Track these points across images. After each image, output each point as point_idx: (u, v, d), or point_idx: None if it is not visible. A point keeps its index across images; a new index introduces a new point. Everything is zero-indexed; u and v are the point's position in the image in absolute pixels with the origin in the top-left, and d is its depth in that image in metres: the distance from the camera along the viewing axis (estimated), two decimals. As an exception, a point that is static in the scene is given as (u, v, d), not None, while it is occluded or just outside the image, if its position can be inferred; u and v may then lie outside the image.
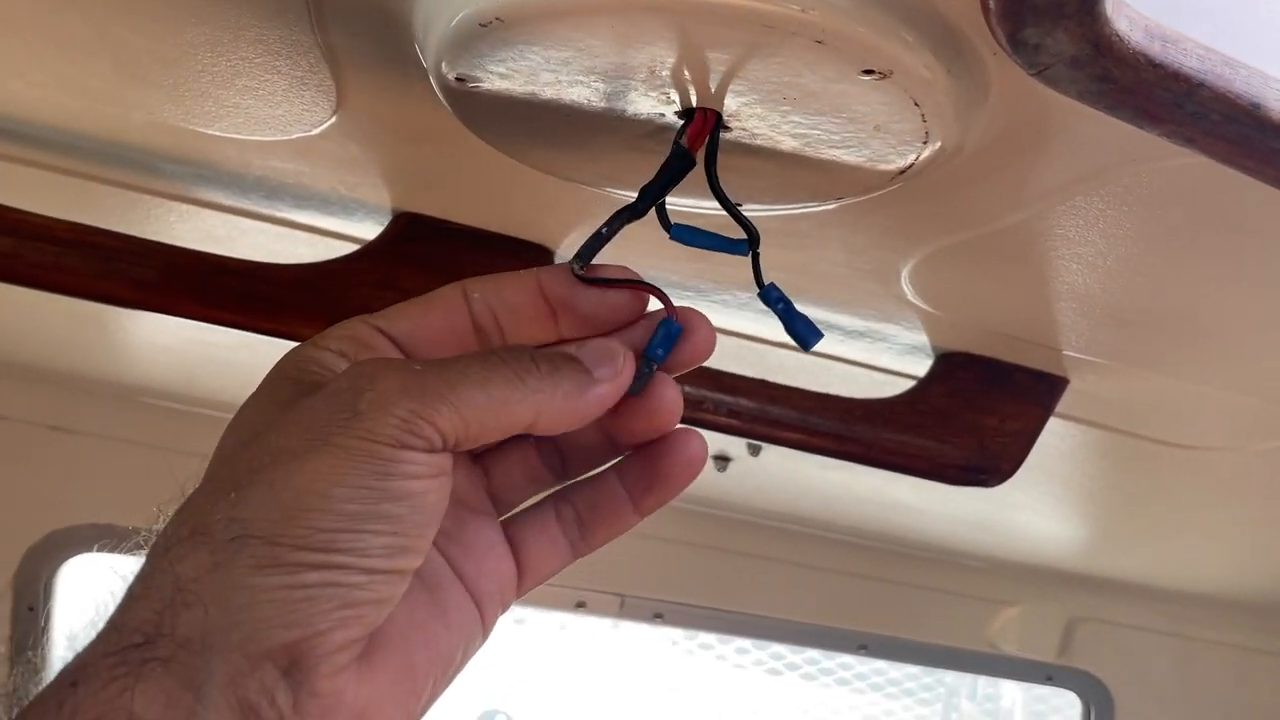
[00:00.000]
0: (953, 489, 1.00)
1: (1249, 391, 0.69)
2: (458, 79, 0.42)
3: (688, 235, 0.44)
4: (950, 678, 2.16)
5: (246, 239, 0.66)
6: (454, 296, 0.40)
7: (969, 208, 0.51)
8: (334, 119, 0.52)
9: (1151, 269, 0.55)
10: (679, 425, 0.40)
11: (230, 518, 0.32)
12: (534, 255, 0.62)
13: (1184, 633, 1.38)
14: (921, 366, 0.75)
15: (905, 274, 0.59)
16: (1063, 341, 0.66)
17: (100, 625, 0.32)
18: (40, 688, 0.31)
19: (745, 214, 0.45)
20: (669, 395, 0.39)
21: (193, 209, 0.64)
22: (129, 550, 1.35)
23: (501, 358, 0.36)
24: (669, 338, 0.39)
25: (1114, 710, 1.38)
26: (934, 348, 0.71)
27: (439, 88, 0.44)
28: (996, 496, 1.01)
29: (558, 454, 0.42)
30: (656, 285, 0.41)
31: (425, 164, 0.57)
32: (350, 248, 0.65)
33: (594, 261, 0.41)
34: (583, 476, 0.42)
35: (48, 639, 1.20)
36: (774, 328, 0.75)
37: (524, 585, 0.40)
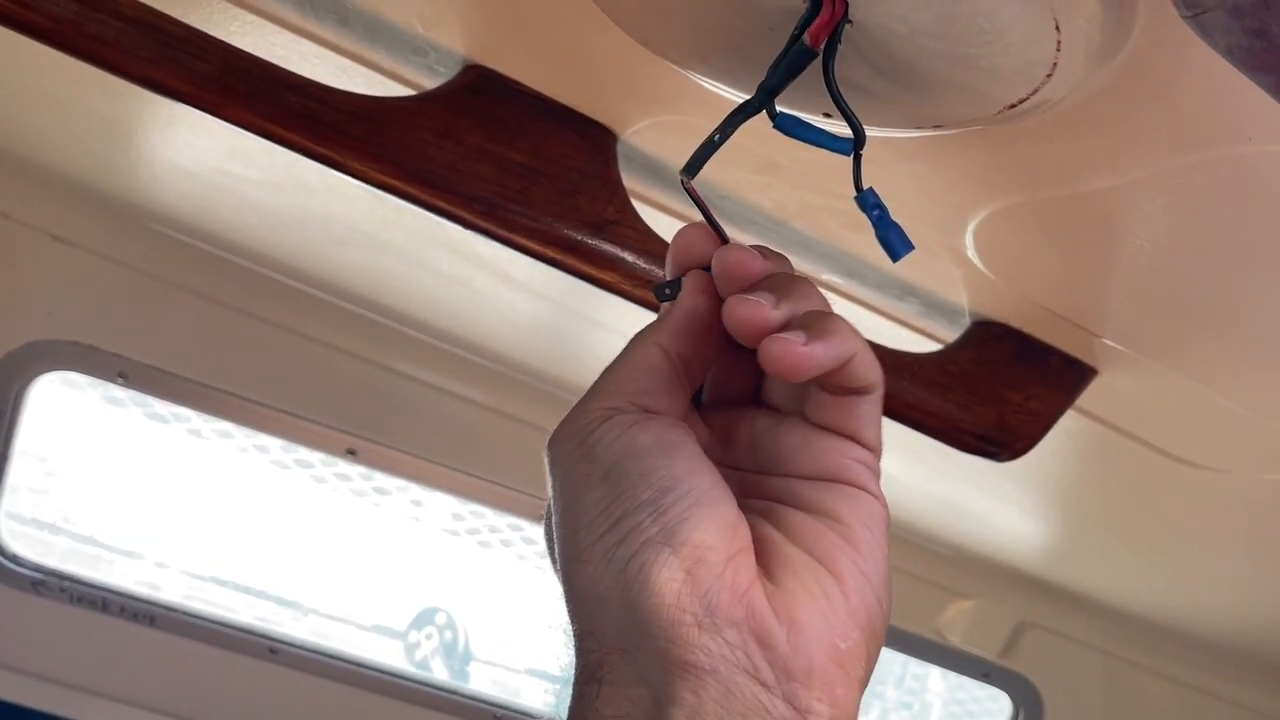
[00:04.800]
0: (945, 469, 1.00)
1: (1275, 417, 0.68)
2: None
3: (792, 125, 0.43)
4: (880, 660, 2.19)
5: (306, 63, 0.64)
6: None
7: (1060, 163, 0.49)
8: (433, -57, 0.50)
9: (1223, 265, 0.54)
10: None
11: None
12: (598, 135, 0.60)
13: (1126, 656, 1.39)
14: (943, 329, 0.74)
15: (973, 226, 0.57)
16: (1105, 327, 0.65)
17: None
18: None
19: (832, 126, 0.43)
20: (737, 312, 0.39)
21: (257, 20, 0.62)
22: (106, 377, 1.31)
23: None
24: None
25: (1043, 717, 1.39)
26: (971, 312, 0.70)
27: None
28: (985, 483, 1.02)
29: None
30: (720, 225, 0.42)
31: (514, 16, 0.55)
32: (409, 94, 0.62)
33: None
34: None
35: (9, 450, 1.18)
36: (815, 265, 0.74)
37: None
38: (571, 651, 0.37)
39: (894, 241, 0.41)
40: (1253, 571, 1.04)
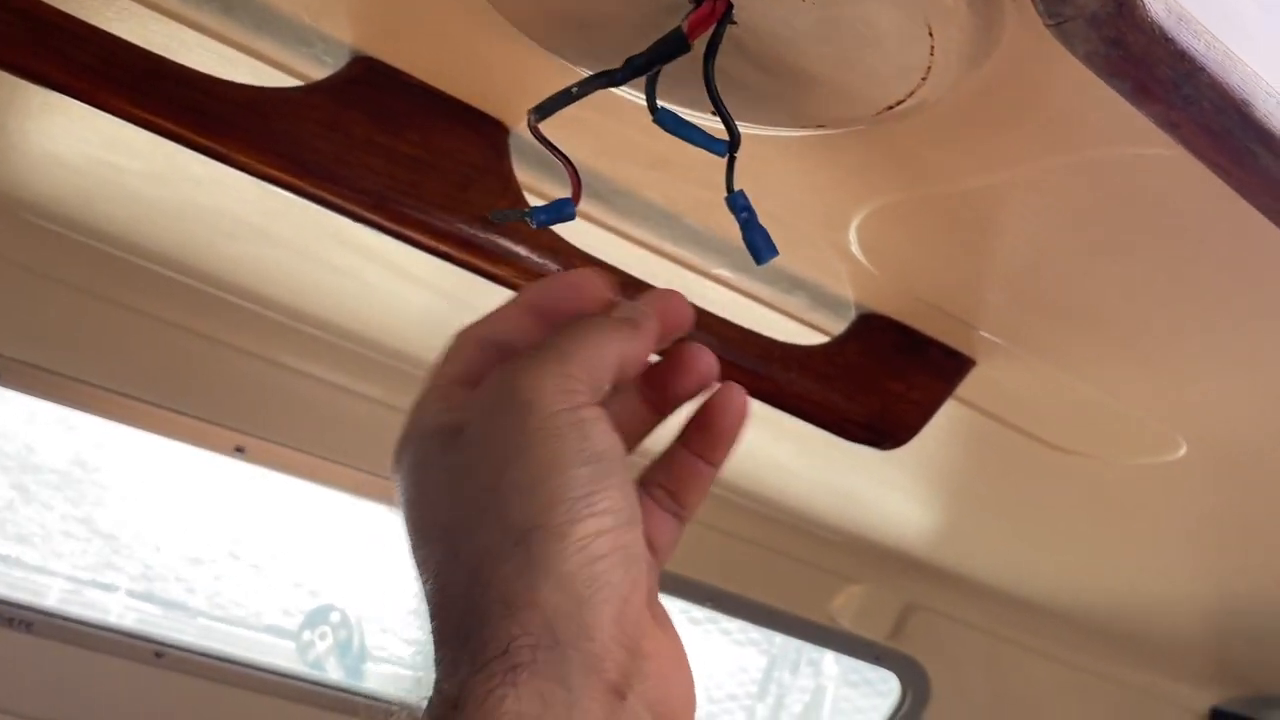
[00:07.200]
0: (834, 458, 1.03)
1: (1140, 405, 0.72)
2: (475, -89, 0.40)
3: (671, 121, 0.44)
4: (776, 646, 2.24)
5: (188, 53, 0.62)
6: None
7: (938, 162, 0.51)
8: (319, -66, 0.49)
9: (1090, 263, 0.57)
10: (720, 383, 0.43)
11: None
12: (490, 128, 0.60)
13: (1009, 636, 1.45)
14: (830, 322, 0.77)
15: (856, 223, 0.59)
16: (982, 320, 0.68)
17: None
18: None
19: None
20: (702, 359, 0.42)
21: (135, 7, 0.60)
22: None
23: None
24: (558, 211, 0.42)
25: (929, 697, 1.44)
26: (856, 305, 0.72)
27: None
28: (874, 471, 1.04)
29: None
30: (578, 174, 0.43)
31: (403, 7, 0.54)
32: (296, 85, 0.62)
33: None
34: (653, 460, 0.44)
35: None
36: (707, 259, 0.75)
37: (660, 561, 0.43)
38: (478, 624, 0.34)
39: (759, 245, 0.42)
40: (1123, 552, 1.10)
